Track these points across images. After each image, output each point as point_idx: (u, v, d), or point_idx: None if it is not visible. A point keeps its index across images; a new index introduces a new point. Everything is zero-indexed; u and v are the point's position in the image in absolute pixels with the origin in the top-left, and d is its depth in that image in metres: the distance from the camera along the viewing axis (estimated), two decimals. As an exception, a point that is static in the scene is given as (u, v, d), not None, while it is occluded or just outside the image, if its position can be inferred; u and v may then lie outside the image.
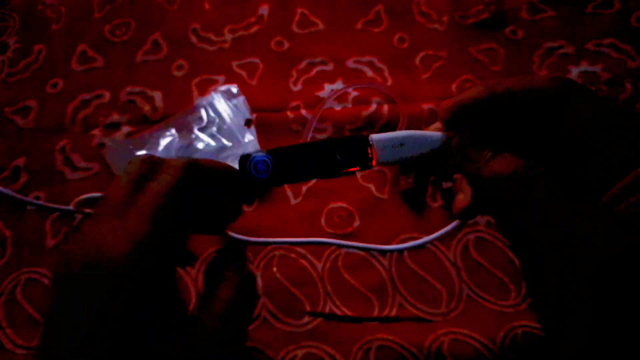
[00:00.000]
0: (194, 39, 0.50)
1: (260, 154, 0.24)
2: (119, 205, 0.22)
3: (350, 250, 0.39)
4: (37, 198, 0.44)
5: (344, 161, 0.24)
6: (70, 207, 0.42)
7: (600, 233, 0.18)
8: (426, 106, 0.44)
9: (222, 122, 0.44)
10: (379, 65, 0.47)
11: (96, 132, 0.46)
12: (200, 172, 0.23)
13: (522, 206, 0.20)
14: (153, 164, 0.23)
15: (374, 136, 0.24)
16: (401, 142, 0.24)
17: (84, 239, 0.21)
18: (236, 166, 0.42)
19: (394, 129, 0.44)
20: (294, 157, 0.24)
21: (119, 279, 0.20)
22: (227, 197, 0.26)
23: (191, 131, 0.44)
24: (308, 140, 0.23)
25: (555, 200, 0.19)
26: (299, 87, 0.47)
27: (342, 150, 0.24)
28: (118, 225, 0.21)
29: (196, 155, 0.42)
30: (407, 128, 0.44)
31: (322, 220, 0.41)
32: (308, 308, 0.38)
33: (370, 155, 0.24)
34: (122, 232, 0.21)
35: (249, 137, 0.43)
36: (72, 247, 0.22)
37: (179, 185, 0.22)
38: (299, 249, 0.40)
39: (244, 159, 0.24)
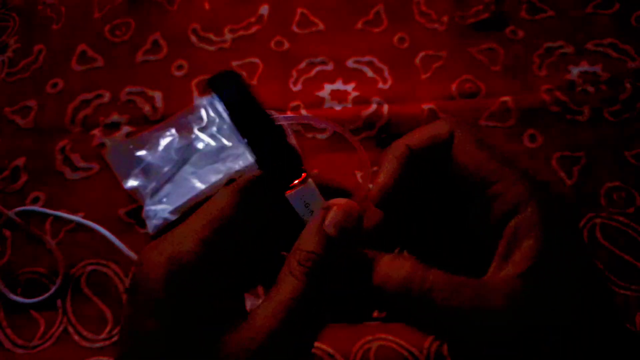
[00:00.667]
0: (194, 39, 0.50)
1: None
2: None
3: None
4: (37, 198, 0.44)
5: (269, 161, 0.23)
6: (11, 213, 0.42)
7: (495, 321, 0.19)
8: (426, 106, 0.44)
9: (222, 122, 0.44)
10: (379, 65, 0.47)
11: (96, 132, 0.46)
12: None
13: (418, 314, 0.20)
14: None
15: (305, 187, 0.22)
16: (311, 205, 0.22)
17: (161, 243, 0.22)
18: (236, 166, 0.41)
19: (394, 129, 0.44)
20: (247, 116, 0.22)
21: (187, 278, 0.20)
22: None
23: (191, 131, 0.44)
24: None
25: (446, 300, 0.19)
26: (298, 87, 0.47)
27: (276, 155, 0.22)
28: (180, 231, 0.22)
29: (196, 155, 0.42)
30: (405, 131, 0.44)
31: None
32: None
33: (290, 185, 0.22)
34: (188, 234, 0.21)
35: (249, 137, 0.42)
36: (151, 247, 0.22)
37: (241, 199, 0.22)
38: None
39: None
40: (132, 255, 0.40)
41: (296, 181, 0.22)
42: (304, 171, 0.22)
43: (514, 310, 0.19)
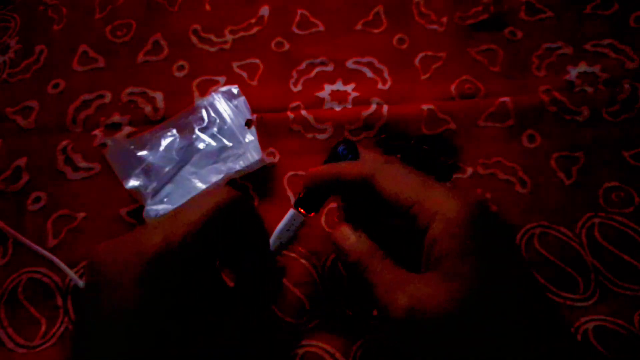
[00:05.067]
0: (194, 39, 0.50)
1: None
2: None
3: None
4: (39, 198, 0.44)
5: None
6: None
7: (424, 290, 0.24)
8: (425, 107, 0.44)
9: (223, 123, 0.44)
10: (379, 66, 0.47)
11: (97, 132, 0.46)
12: (242, 205, 0.29)
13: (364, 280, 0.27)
14: None
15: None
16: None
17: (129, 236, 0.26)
18: (237, 166, 0.43)
19: (393, 130, 0.44)
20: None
21: (173, 263, 0.25)
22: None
23: (192, 131, 0.44)
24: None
25: (382, 274, 0.26)
26: (299, 87, 0.47)
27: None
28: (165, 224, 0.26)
29: (196, 155, 0.43)
30: (404, 130, 0.44)
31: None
32: (308, 307, 0.38)
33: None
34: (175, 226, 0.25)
35: (250, 137, 0.43)
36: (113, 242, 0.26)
37: (225, 206, 0.27)
38: (300, 248, 0.40)
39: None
40: (79, 282, 0.40)
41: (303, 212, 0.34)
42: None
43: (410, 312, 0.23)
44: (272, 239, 0.35)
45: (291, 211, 0.35)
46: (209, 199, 0.27)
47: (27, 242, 0.42)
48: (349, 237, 0.29)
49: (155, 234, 0.24)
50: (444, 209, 0.24)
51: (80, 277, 0.40)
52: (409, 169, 0.29)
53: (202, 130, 0.44)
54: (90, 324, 0.24)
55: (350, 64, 0.48)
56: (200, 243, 0.25)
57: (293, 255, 0.40)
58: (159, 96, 0.47)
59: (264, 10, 0.51)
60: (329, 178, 0.30)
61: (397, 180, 0.27)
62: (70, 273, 0.40)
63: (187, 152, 0.43)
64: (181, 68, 0.49)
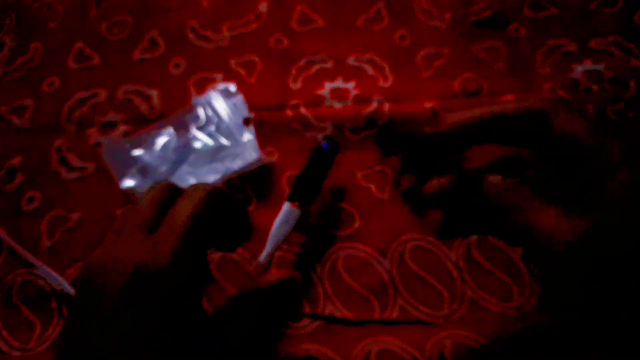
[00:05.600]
0: (191, 36, 0.49)
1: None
2: (145, 223, 0.26)
3: (350, 251, 0.39)
4: (33, 198, 0.43)
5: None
6: None
7: (565, 233, 0.23)
8: (428, 104, 0.44)
9: (220, 121, 0.43)
10: (380, 63, 0.47)
11: (92, 131, 0.45)
12: (220, 197, 0.28)
13: (511, 213, 0.25)
14: (174, 190, 0.28)
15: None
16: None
17: (116, 253, 0.25)
18: (234, 166, 0.43)
19: (395, 128, 0.43)
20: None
21: (162, 288, 0.24)
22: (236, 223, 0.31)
23: (189, 130, 0.43)
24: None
25: (530, 206, 0.25)
26: (298, 85, 0.46)
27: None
28: (152, 241, 0.25)
29: (193, 155, 0.42)
30: (405, 128, 0.43)
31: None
32: (308, 310, 0.37)
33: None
34: (160, 247, 0.24)
35: (248, 136, 0.42)
36: (101, 258, 0.25)
37: (205, 208, 0.26)
38: (299, 250, 0.39)
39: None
40: (70, 290, 0.39)
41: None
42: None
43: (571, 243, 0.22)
44: (269, 236, 0.35)
45: (286, 204, 0.36)
46: (186, 205, 0.26)
47: (19, 248, 0.41)
48: (496, 176, 0.28)
49: (143, 249, 0.25)
50: (628, 158, 0.23)
51: (73, 279, 0.40)
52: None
53: (200, 128, 0.43)
54: (86, 325, 0.24)
55: (350, 61, 0.47)
56: (187, 258, 0.25)
57: (291, 257, 0.39)
58: (155, 94, 0.46)
59: (263, 7, 0.50)
60: (484, 117, 0.27)
61: (571, 118, 0.25)
62: (61, 280, 0.39)
63: (183, 152, 0.42)
64: (178, 65, 0.48)
